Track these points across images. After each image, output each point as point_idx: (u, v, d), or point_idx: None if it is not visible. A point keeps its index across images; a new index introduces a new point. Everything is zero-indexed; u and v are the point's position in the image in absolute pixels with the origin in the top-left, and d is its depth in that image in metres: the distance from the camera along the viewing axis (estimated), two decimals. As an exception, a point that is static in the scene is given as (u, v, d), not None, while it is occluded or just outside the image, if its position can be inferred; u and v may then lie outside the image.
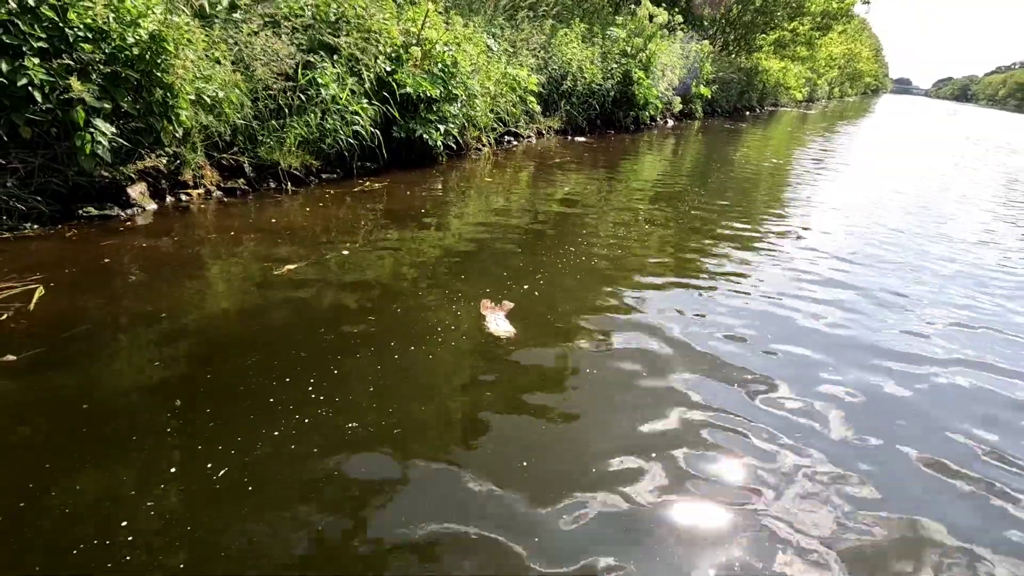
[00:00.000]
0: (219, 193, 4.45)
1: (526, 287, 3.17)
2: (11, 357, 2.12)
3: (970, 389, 2.53)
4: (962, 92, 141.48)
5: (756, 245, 4.44)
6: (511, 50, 8.53)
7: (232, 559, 1.41)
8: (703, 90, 14.54)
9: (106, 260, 3.12)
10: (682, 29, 12.79)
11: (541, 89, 8.75)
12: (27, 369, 2.08)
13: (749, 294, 3.40)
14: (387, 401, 2.04)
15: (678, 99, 12.79)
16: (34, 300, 2.52)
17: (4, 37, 3.19)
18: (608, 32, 10.84)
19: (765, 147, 11.53)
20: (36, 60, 3.26)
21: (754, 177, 7.76)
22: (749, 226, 4.99)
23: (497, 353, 2.43)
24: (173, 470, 1.67)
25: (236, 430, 1.84)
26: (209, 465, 1.69)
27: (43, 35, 3.33)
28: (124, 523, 1.47)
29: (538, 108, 8.63)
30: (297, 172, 4.87)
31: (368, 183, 5.28)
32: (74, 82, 3.39)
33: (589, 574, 1.44)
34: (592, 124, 10.44)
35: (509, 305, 2.83)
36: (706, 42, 14.39)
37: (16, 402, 1.92)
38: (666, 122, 13.44)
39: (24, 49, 3.24)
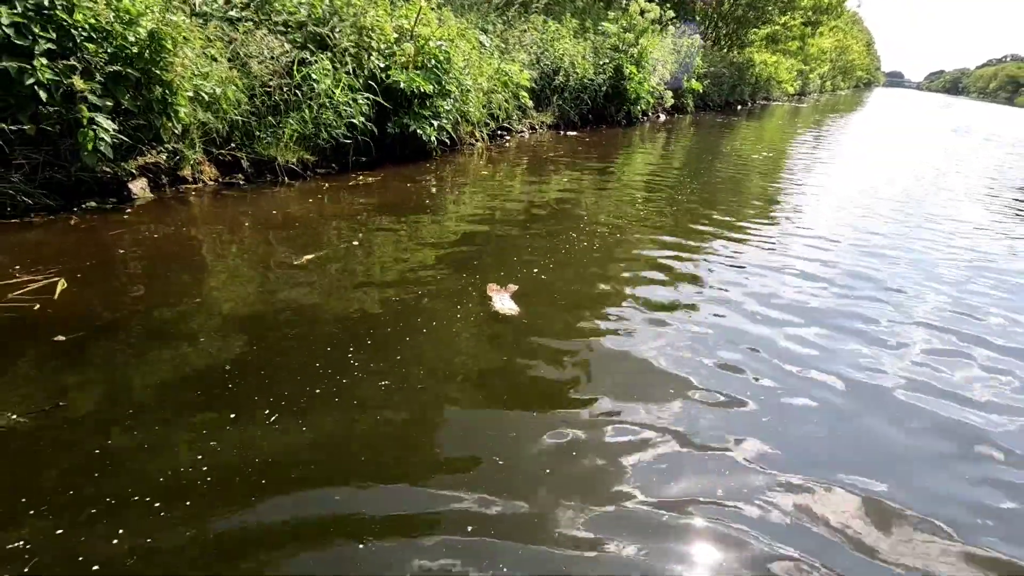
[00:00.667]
0: (217, 187, 4.55)
1: (535, 271, 3.37)
2: (61, 337, 2.30)
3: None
4: (953, 85, 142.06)
5: (744, 232, 4.58)
6: (503, 46, 8.63)
7: (286, 478, 1.70)
8: (694, 84, 14.67)
9: (120, 250, 3.24)
10: (673, 24, 12.90)
11: (533, 85, 8.86)
12: (76, 348, 2.26)
13: (739, 274, 3.55)
14: (413, 366, 2.30)
15: (669, 93, 12.91)
16: (58, 291, 2.66)
17: (16, 39, 3.28)
18: (600, 27, 10.94)
19: (756, 140, 11.67)
20: (44, 60, 3.36)
21: (744, 170, 7.90)
22: (738, 214, 5.13)
23: (503, 328, 2.69)
24: (232, 415, 1.92)
25: (284, 388, 2.08)
26: (266, 411, 1.96)
27: (52, 36, 3.43)
28: (200, 456, 1.74)
29: (530, 103, 8.74)
30: (293, 166, 4.98)
31: (362, 177, 5.39)
32: (77, 80, 3.49)
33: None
34: (584, 119, 10.56)
35: (513, 288, 3.03)
36: (697, 36, 14.51)
37: (78, 374, 2.12)
38: (658, 116, 13.57)
39: (34, 50, 3.34)
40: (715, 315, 2.97)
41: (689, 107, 15.22)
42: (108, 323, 2.46)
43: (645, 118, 12.67)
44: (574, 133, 9.89)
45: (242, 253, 3.44)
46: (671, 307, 3.04)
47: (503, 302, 2.85)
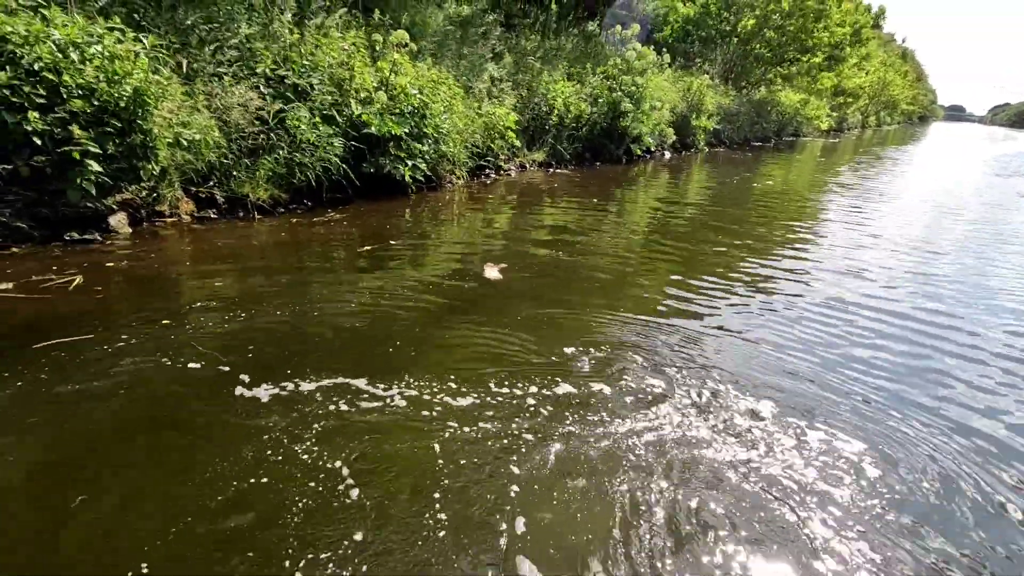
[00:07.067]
0: (189, 220, 5.12)
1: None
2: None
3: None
4: (1019, 118, 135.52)
5: (733, 281, 4.79)
6: (493, 90, 9.18)
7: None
8: (704, 122, 14.88)
9: (102, 267, 3.85)
10: (670, 66, 13.25)
11: (522, 125, 9.32)
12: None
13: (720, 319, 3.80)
14: (429, 296, 3.80)
15: (671, 131, 13.17)
16: (73, 285, 3.53)
17: (12, 97, 3.95)
18: (598, 69, 11.41)
19: (768, 179, 11.72)
20: (36, 114, 4.01)
21: (746, 213, 8.05)
22: (730, 256, 5.34)
23: (492, 283, 4.13)
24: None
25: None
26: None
27: (43, 93, 4.09)
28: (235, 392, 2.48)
29: (519, 143, 9.20)
30: (264, 204, 5.53)
31: (333, 213, 5.90)
32: (77, 130, 4.12)
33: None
34: (580, 157, 10.94)
35: (503, 265, 4.50)
36: (705, 76, 14.80)
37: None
38: (663, 154, 13.80)
39: (26, 105, 4.00)
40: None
41: (700, 144, 15.36)
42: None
43: (648, 155, 12.93)
44: (566, 172, 10.25)
45: (259, 258, 4.37)
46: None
47: (493, 272, 4.31)
